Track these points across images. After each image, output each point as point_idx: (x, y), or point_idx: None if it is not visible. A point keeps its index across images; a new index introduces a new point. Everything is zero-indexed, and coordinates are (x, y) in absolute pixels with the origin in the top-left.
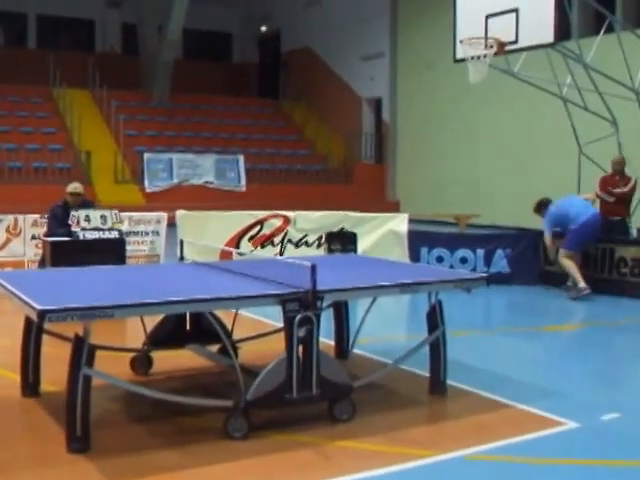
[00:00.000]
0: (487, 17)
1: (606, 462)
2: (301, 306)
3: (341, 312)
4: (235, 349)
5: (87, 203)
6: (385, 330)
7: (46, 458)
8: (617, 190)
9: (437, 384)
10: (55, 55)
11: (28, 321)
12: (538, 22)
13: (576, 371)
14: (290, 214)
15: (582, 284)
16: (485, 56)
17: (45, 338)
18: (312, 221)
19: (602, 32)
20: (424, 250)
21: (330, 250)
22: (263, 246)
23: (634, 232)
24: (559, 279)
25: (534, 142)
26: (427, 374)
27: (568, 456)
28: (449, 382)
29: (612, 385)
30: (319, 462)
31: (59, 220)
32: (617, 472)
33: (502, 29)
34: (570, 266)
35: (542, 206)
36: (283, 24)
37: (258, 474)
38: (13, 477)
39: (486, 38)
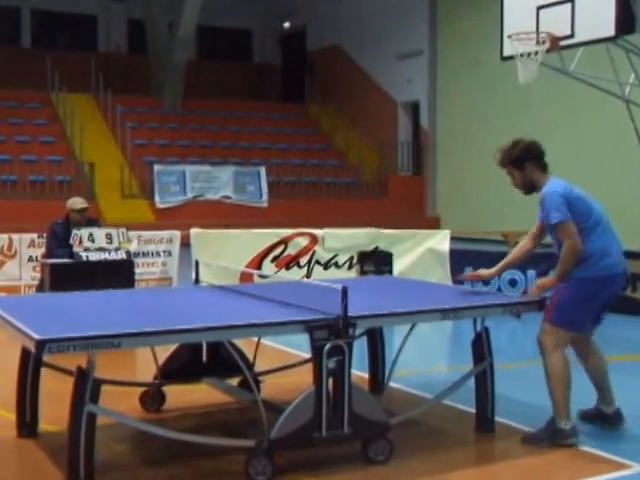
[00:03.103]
0: (538, 9)
1: None
2: (331, 334)
3: (376, 341)
4: (257, 382)
5: (91, 221)
6: (425, 361)
7: None
8: None
9: (484, 421)
10: (53, 55)
11: (25, 352)
12: (597, 14)
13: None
14: (318, 232)
15: (568, 422)
16: (536, 53)
17: (44, 371)
18: (342, 240)
19: None
20: (468, 271)
21: (363, 272)
22: (288, 268)
23: None
24: (624, 302)
25: (592, 150)
26: (473, 410)
27: None
28: (497, 419)
29: None
30: None
31: (59, 240)
32: None
33: (556, 22)
34: (561, 371)
35: (521, 158)
36: (309, 20)
37: None
38: None
39: (537, 33)
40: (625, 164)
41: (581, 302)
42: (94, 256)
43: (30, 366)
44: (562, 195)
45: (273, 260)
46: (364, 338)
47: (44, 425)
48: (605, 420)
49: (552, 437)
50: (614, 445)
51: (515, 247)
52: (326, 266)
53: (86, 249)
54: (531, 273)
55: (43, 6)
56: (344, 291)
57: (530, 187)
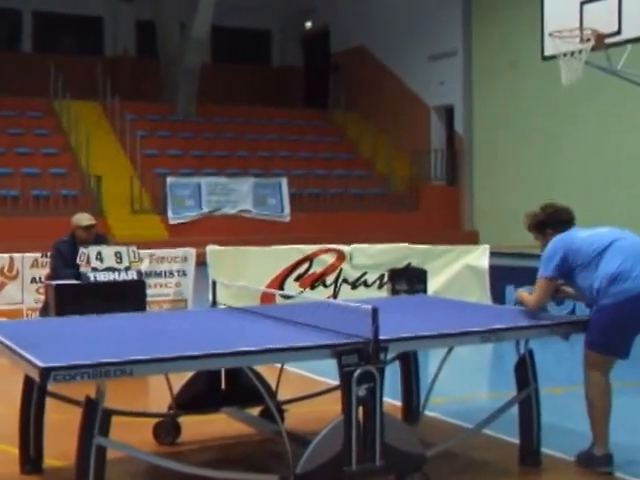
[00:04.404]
0: (582, 4)
1: None
2: (361, 359)
3: (409, 366)
4: (281, 412)
5: (99, 238)
6: (464, 387)
7: None
8: None
9: (529, 453)
10: (56, 60)
11: (28, 381)
12: None
13: None
14: (345, 248)
15: (600, 448)
16: (580, 52)
17: (49, 402)
18: (372, 256)
19: None
20: (510, 289)
21: (394, 291)
22: (313, 287)
23: None
24: None
25: None
26: (516, 440)
27: None
28: (544, 450)
29: None
30: None
31: (65, 259)
32: None
33: (601, 18)
34: (594, 395)
35: (544, 224)
36: (332, 19)
37: None
38: None
39: (581, 29)
40: None
41: (608, 327)
42: (103, 277)
43: (34, 396)
44: (554, 249)
45: (297, 279)
46: (397, 363)
47: (49, 460)
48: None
49: (586, 462)
50: None
51: None
52: (354, 285)
53: (94, 269)
54: None
55: (45, 8)
56: (374, 312)
57: None
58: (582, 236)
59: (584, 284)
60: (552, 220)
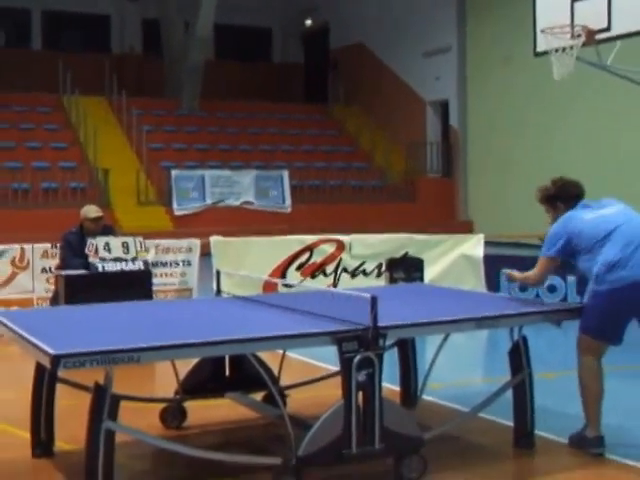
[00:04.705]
0: (573, 1)
1: None
2: (360, 345)
3: (407, 352)
4: (283, 397)
5: (106, 229)
6: (460, 372)
7: None
8: None
9: (523, 435)
10: (64, 57)
11: (39, 368)
12: (635, 4)
13: None
14: (344, 238)
15: (592, 430)
16: (572, 47)
17: (59, 388)
18: (370, 246)
19: None
20: (504, 277)
21: (392, 279)
22: (313, 276)
23: None
24: None
25: (633, 148)
26: (511, 424)
27: None
28: (537, 433)
29: None
30: None
31: (74, 250)
32: None
33: (592, 14)
34: (587, 378)
35: (554, 197)
36: (332, 17)
37: None
38: None
39: (572, 26)
40: None
41: (603, 313)
42: (110, 266)
43: (45, 382)
44: (557, 230)
45: (298, 268)
46: (395, 349)
47: (60, 444)
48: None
49: (578, 444)
50: None
51: None
52: (353, 274)
53: (102, 259)
54: (571, 279)
55: (54, 7)
56: (373, 300)
57: None
58: (587, 219)
59: (585, 267)
60: (562, 194)
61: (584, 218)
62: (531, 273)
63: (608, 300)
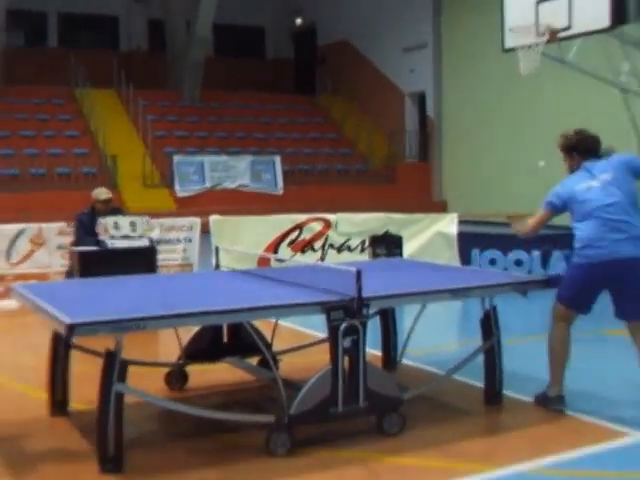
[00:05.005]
0: (538, 3)
1: None
2: (346, 314)
3: (388, 320)
4: (276, 361)
5: (115, 210)
6: (436, 339)
7: (77, 478)
8: None
9: (492, 395)
10: (77, 54)
11: (56, 336)
12: (593, 6)
13: None
14: (331, 217)
15: (555, 390)
16: (537, 44)
17: (74, 354)
18: (355, 224)
19: None
20: (475, 252)
21: (375, 255)
22: (303, 252)
23: None
24: None
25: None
26: (481, 385)
27: (634, 469)
28: (505, 393)
29: None
30: (367, 479)
31: (86, 228)
32: None
33: (554, 15)
34: (557, 343)
35: (573, 147)
36: (319, 17)
37: None
38: None
39: (537, 25)
40: (621, 146)
41: (577, 285)
42: (119, 243)
43: (61, 348)
44: (559, 192)
45: (289, 244)
46: (377, 318)
47: (75, 404)
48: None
49: (542, 402)
50: (613, 414)
51: None
52: (339, 249)
53: (111, 237)
54: (536, 253)
55: (68, 9)
56: (358, 273)
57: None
58: (578, 189)
59: (574, 229)
60: (580, 146)
61: (574, 189)
62: (529, 222)
63: (583, 273)
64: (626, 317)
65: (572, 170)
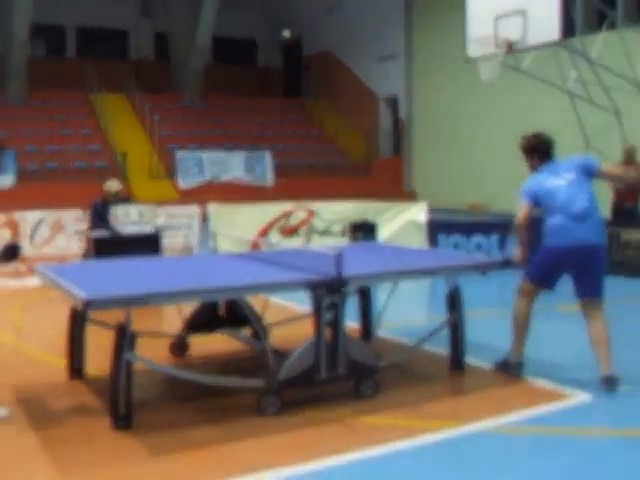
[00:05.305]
0: (496, 18)
1: (617, 432)
2: (328, 291)
3: (365, 297)
4: (266, 333)
5: (125, 199)
6: (406, 313)
7: (92, 435)
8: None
9: (456, 362)
10: (92, 63)
11: (73, 310)
12: (544, 21)
13: (588, 347)
14: (315, 206)
15: (515, 357)
16: (495, 55)
17: (89, 326)
18: (335, 212)
19: (605, 29)
20: (442, 237)
21: (353, 239)
22: (290, 236)
23: None
24: None
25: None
26: (447, 353)
27: (580, 426)
28: (467, 360)
29: (624, 360)
30: (346, 436)
31: (100, 216)
32: (629, 442)
33: (511, 29)
34: (521, 315)
35: (533, 149)
36: (304, 30)
37: (290, 448)
38: (63, 452)
39: (496, 38)
40: (569, 143)
41: (545, 265)
42: (129, 229)
43: (78, 321)
44: (529, 187)
45: (278, 230)
46: (356, 295)
47: (90, 370)
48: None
49: (503, 368)
50: (561, 378)
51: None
52: (322, 234)
53: (122, 224)
54: (493, 237)
55: (84, 23)
56: (338, 256)
57: (534, 171)
58: (547, 186)
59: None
60: (539, 148)
61: (544, 185)
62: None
63: (551, 257)
64: (585, 295)
65: (534, 169)
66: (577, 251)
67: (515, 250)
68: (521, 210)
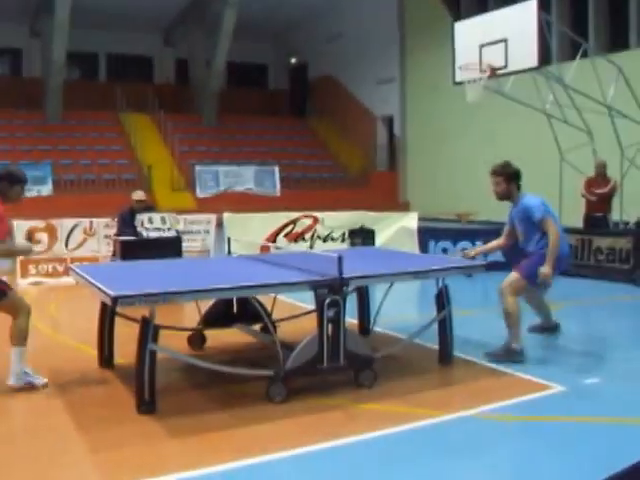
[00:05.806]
0: (481, 46)
1: (586, 419)
2: (330, 291)
3: (363, 296)
4: (275, 327)
5: (149, 208)
6: (400, 310)
7: (120, 418)
8: (599, 190)
9: (445, 355)
10: (121, 86)
11: (103, 306)
12: (524, 50)
13: (563, 343)
14: (318, 214)
15: (516, 344)
16: (480, 79)
17: (117, 320)
18: (337, 220)
19: (578, 57)
20: (431, 243)
21: (353, 244)
22: (296, 241)
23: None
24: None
25: (522, 151)
26: (436, 347)
27: (554, 414)
28: (455, 354)
29: (594, 354)
30: (346, 421)
31: (127, 222)
32: (596, 428)
33: (494, 56)
34: (516, 309)
35: (515, 175)
36: (309, 56)
37: (295, 432)
38: (93, 434)
39: (480, 64)
40: (545, 159)
41: (538, 269)
42: (152, 234)
43: (107, 316)
44: (542, 204)
45: (285, 236)
46: (355, 294)
47: (118, 359)
48: (547, 330)
49: (507, 354)
50: (541, 371)
51: (493, 241)
52: (324, 240)
53: (146, 229)
54: (478, 243)
55: (114, 50)
56: (339, 259)
57: (506, 197)
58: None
59: (537, 236)
60: (518, 176)
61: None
62: (553, 234)
63: (543, 261)
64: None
65: (509, 194)
66: (561, 259)
67: (545, 268)
68: (553, 226)
